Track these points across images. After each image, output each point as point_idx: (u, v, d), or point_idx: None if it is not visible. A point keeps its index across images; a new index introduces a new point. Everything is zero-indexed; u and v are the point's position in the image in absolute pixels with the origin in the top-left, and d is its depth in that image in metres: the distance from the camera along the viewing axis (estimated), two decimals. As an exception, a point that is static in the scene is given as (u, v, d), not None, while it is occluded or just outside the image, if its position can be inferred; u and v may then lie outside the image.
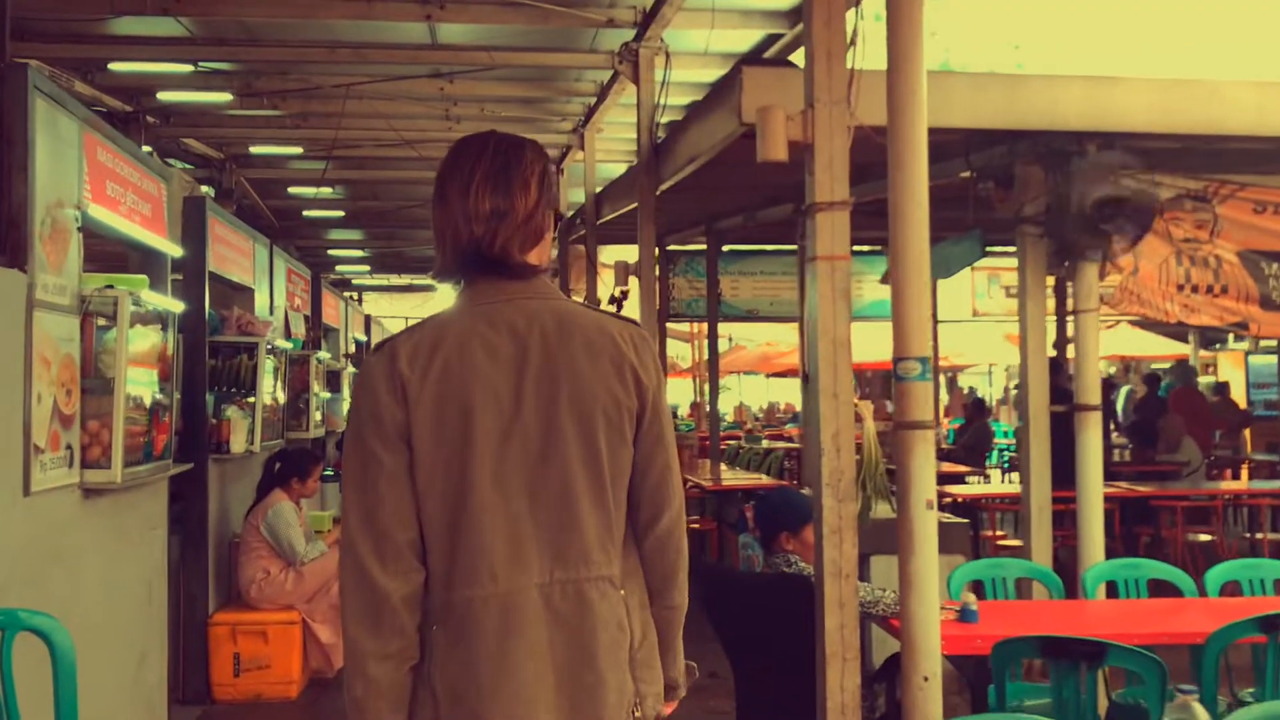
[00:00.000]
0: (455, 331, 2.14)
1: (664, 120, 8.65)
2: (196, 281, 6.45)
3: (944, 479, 12.12)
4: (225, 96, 10.85)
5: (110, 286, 4.55)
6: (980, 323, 18.84)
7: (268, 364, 7.34)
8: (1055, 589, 5.20)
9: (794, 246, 17.09)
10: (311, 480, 6.84)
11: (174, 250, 5.75)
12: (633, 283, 10.45)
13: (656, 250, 11.00)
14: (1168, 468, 11.08)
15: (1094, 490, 6.34)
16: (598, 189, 12.50)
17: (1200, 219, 6.56)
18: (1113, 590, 5.28)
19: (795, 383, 35.77)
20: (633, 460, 2.18)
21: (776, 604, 4.39)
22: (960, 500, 8.85)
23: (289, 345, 8.04)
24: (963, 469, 11.38)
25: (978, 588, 5.11)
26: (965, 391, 26.50)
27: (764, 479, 10.37)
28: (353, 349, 12.72)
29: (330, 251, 20.37)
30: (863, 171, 9.39)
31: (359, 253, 20.84)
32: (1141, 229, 5.78)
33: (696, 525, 10.18)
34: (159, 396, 5.23)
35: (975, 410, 14.88)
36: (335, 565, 6.60)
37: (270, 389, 7.38)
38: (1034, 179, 6.51)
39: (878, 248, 18.10)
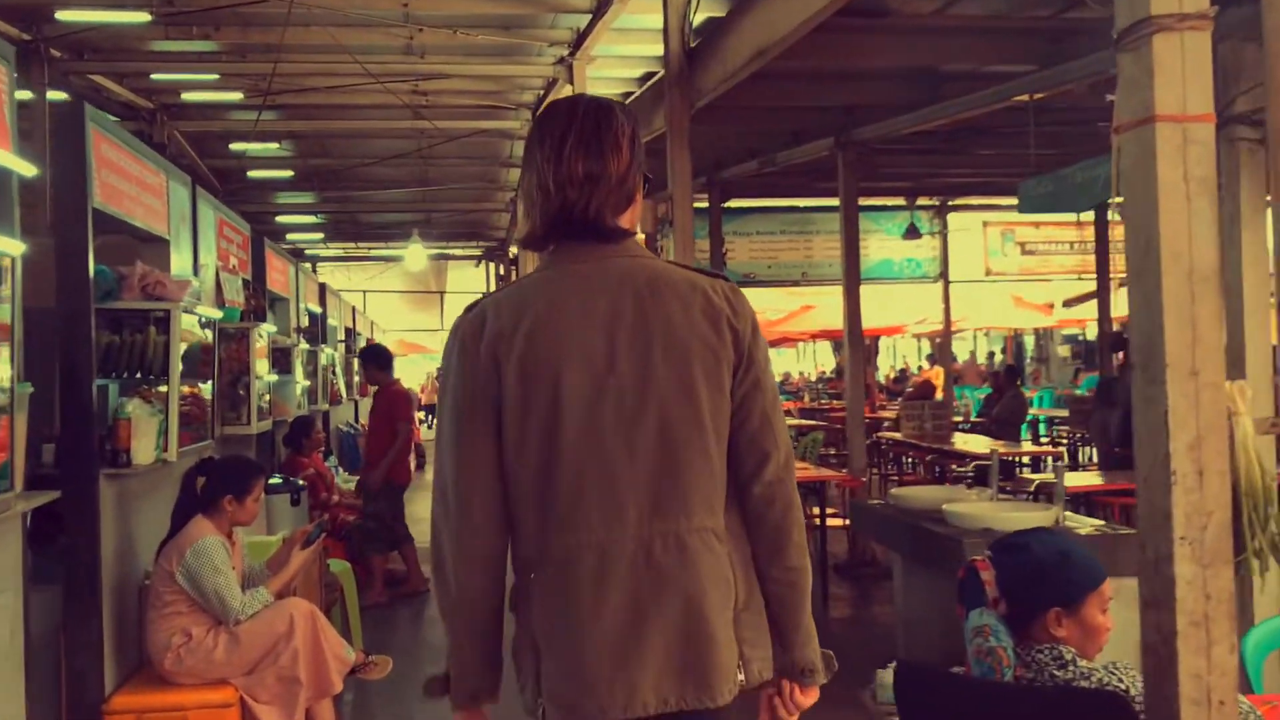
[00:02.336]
0: (546, 291, 2.09)
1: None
2: (74, 222, 4.38)
3: (1007, 468, 10.25)
4: (143, 17, 8.70)
5: None
6: (992, 283, 17.01)
7: (194, 339, 5.31)
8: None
9: (804, 201, 15.14)
10: (251, 499, 4.79)
11: (23, 168, 3.70)
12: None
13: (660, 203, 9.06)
14: None
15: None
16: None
17: None
18: None
19: (778, 354, 33.97)
20: (731, 410, 2.08)
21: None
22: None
23: (218, 315, 5.97)
24: (1043, 449, 9.49)
25: None
26: (966, 359, 24.85)
27: (808, 467, 8.43)
28: (306, 322, 10.62)
29: (279, 218, 18.13)
30: (909, 83, 7.46)
31: (311, 218, 18.59)
32: None
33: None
34: (-9, 392, 3.20)
35: (1008, 378, 13.04)
36: (285, 623, 4.58)
37: (193, 373, 5.34)
38: (1248, 61, 4.60)
39: (897, 201, 16.23)
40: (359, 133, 14.20)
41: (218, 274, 6.57)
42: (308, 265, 23.12)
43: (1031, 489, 6.16)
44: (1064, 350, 27.97)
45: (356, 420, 14.62)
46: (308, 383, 9.35)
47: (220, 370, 6.52)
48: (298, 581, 5.02)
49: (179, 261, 5.65)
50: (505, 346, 2.03)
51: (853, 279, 9.05)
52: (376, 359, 8.53)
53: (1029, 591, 2.56)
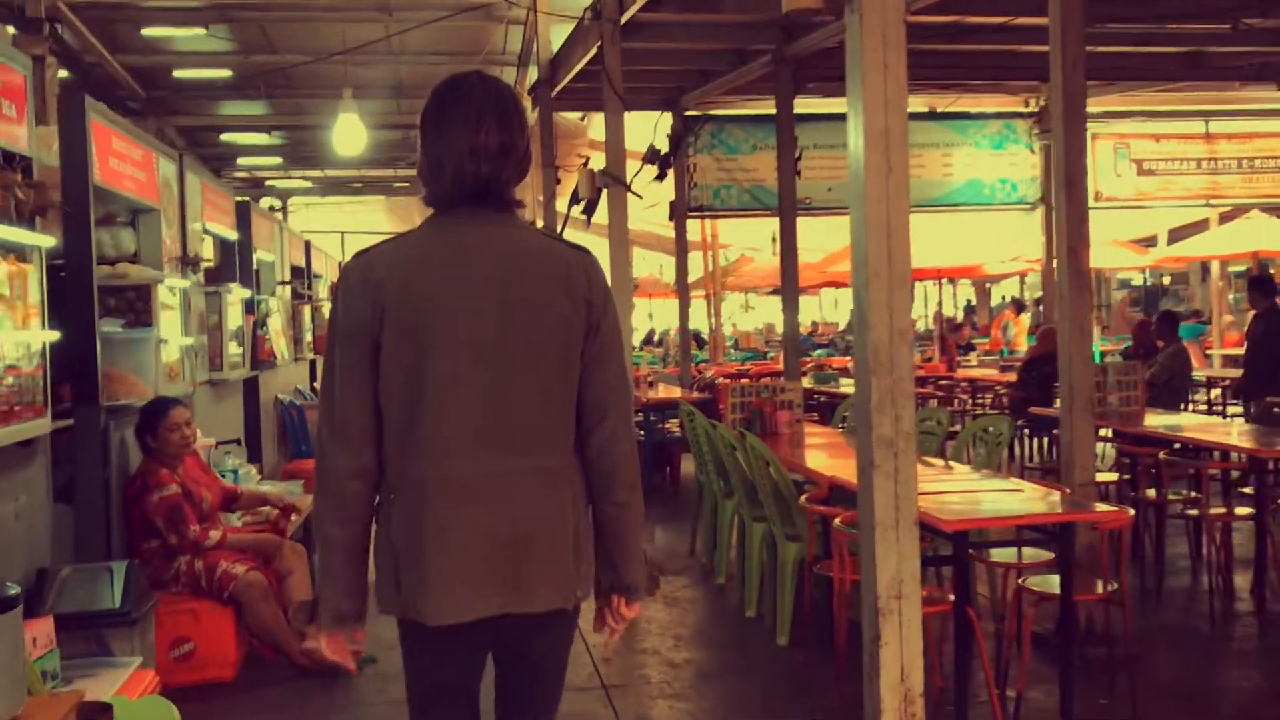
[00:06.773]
0: (425, 248, 2.27)
1: None
2: None
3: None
4: None
5: None
6: (1100, 209, 13.36)
7: None
8: None
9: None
10: None
11: None
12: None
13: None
14: None
15: None
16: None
17: None
18: None
19: (806, 302, 30.29)
20: (580, 372, 2.31)
21: None
22: None
23: None
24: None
25: None
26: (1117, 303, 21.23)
27: (1014, 485, 4.85)
28: (211, 252, 7.00)
29: (225, 136, 14.40)
30: None
31: (264, 138, 14.84)
32: None
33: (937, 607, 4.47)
34: None
35: (1166, 328, 9.53)
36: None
37: None
38: None
39: (991, 104, 12.62)
40: (308, 9, 10.55)
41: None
42: (275, 203, 19.46)
43: None
44: (1119, 295, 24.43)
45: (312, 386, 10.99)
46: (192, 340, 5.76)
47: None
48: None
49: None
50: (385, 293, 2.19)
51: (1078, 189, 5.38)
52: None
53: None
